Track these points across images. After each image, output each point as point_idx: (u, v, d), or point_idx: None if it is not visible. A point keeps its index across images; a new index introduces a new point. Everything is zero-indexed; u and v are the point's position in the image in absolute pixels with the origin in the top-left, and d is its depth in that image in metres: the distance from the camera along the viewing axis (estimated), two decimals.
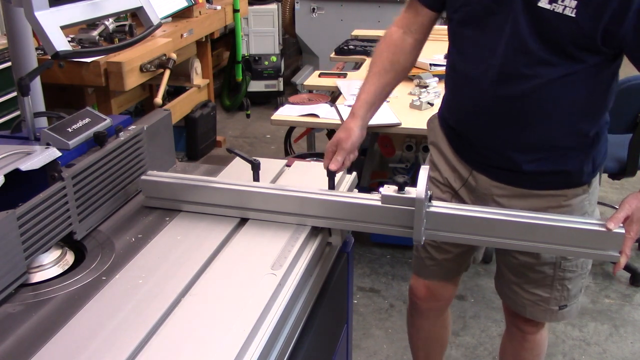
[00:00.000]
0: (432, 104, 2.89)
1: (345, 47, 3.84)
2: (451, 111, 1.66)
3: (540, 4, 1.35)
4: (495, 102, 1.48)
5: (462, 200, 1.69)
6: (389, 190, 1.34)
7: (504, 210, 1.38)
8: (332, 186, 1.45)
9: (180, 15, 4.00)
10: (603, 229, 1.30)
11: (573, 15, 1.32)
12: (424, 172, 1.31)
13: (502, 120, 1.50)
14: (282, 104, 3.27)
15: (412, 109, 2.88)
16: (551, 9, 1.33)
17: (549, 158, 1.53)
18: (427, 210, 1.34)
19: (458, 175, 1.68)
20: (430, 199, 1.35)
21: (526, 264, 1.67)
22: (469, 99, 1.55)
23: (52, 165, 1.29)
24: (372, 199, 1.37)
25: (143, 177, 1.48)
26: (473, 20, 1.47)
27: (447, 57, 1.65)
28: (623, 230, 1.30)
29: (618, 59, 1.44)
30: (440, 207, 1.37)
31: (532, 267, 1.66)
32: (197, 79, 4.19)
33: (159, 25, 1.55)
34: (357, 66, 3.75)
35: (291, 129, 3.32)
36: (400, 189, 1.33)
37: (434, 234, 1.37)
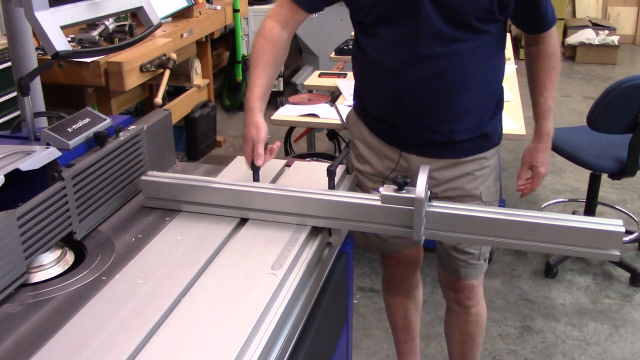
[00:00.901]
0: None
1: (345, 47, 3.85)
2: (373, 103, 1.75)
3: None
4: (419, 84, 1.61)
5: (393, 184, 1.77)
6: (388, 190, 1.34)
7: (503, 210, 1.38)
8: (332, 186, 1.45)
9: (180, 15, 4.00)
10: (602, 228, 1.30)
11: None
12: (423, 172, 1.31)
13: (429, 99, 1.63)
14: (282, 104, 3.27)
15: None
16: None
17: (473, 125, 1.70)
18: (427, 209, 1.34)
19: (389, 160, 1.77)
20: (430, 198, 1.35)
21: None
22: (393, 87, 1.65)
23: (52, 165, 1.29)
24: (372, 198, 1.37)
25: (143, 177, 1.48)
26: (386, 17, 1.57)
27: (357, 55, 1.73)
28: (623, 229, 1.30)
29: (506, 24, 1.69)
30: (440, 206, 1.37)
31: None
32: (197, 79, 4.19)
33: (159, 25, 1.55)
34: None
35: (291, 129, 3.32)
36: (400, 188, 1.33)
37: (434, 234, 1.37)
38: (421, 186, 1.29)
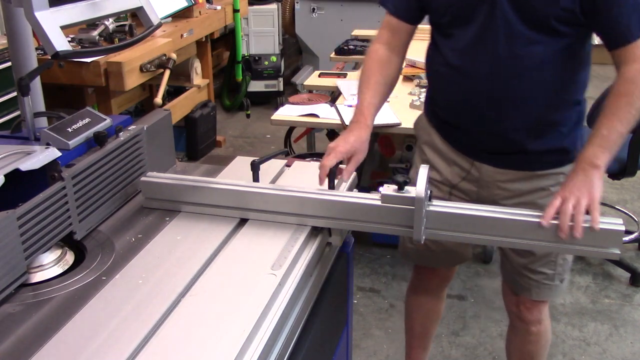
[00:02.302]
0: None
1: (345, 47, 3.84)
2: (445, 107, 1.70)
3: None
4: (492, 89, 1.55)
5: (462, 192, 1.73)
6: (388, 189, 1.34)
7: (503, 209, 1.38)
8: (332, 186, 1.45)
9: (180, 15, 4.00)
10: (602, 227, 1.30)
11: None
12: (423, 171, 1.31)
13: (503, 105, 1.56)
14: (282, 104, 3.27)
15: (412, 109, 2.88)
16: None
17: (549, 136, 1.60)
18: (427, 209, 1.34)
19: (459, 168, 1.72)
20: (430, 198, 1.35)
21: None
22: (466, 90, 1.59)
23: (52, 165, 1.29)
24: (372, 198, 1.37)
25: (143, 178, 1.48)
26: (461, 18, 1.53)
27: (431, 57, 1.68)
28: (623, 228, 1.30)
29: (591, 32, 1.54)
30: (440, 206, 1.37)
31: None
32: (197, 79, 4.19)
33: (159, 25, 1.55)
34: (357, 66, 3.75)
35: (291, 129, 3.32)
36: (400, 188, 1.33)
37: (434, 233, 1.37)
38: (421, 185, 1.29)
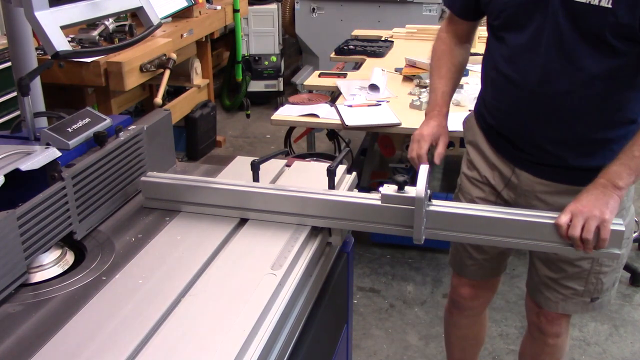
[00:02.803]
0: None
1: (345, 47, 3.84)
2: (491, 111, 1.67)
3: None
4: (539, 100, 1.50)
5: (504, 200, 1.70)
6: (388, 189, 1.34)
7: (503, 209, 1.38)
8: (332, 186, 1.45)
9: (180, 15, 4.00)
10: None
11: (610, 5, 1.33)
12: (423, 171, 1.31)
13: (548, 118, 1.52)
14: (282, 104, 3.27)
15: (412, 109, 2.88)
16: (587, 2, 1.35)
17: (594, 153, 1.54)
18: (427, 209, 1.34)
19: (499, 173, 1.69)
20: (430, 197, 1.35)
21: (566, 258, 1.65)
22: (511, 98, 1.57)
23: (52, 165, 1.29)
24: (372, 198, 1.37)
25: (143, 178, 1.48)
26: (513, 23, 1.50)
27: (485, 58, 1.67)
28: (623, 228, 1.30)
29: None
30: (440, 206, 1.37)
31: (571, 262, 1.65)
32: (197, 79, 4.19)
33: (159, 25, 1.55)
34: (357, 66, 3.75)
35: (291, 129, 3.32)
36: (400, 188, 1.33)
37: (434, 233, 1.37)
38: (421, 185, 1.29)
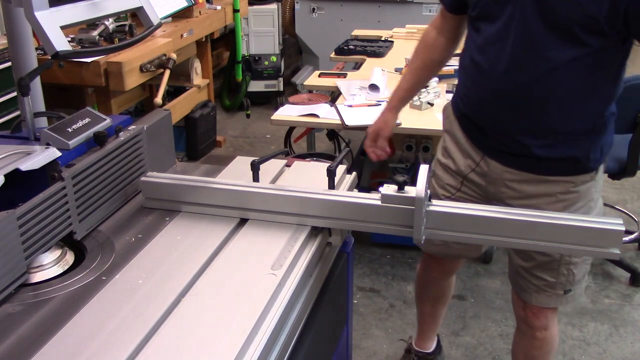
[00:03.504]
0: (432, 104, 2.89)
1: (345, 47, 3.84)
2: (464, 98, 1.74)
3: None
4: (507, 89, 1.56)
5: (472, 184, 1.76)
6: (388, 189, 1.34)
7: (503, 209, 1.38)
8: (332, 186, 1.45)
9: (180, 15, 4.00)
10: (602, 227, 1.30)
11: None
12: (423, 171, 1.31)
13: (514, 107, 1.57)
14: (282, 104, 3.27)
15: (412, 109, 2.88)
16: None
17: (559, 144, 1.58)
18: (427, 209, 1.34)
19: (471, 160, 1.75)
20: (430, 197, 1.35)
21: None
22: (482, 87, 1.63)
23: (52, 165, 1.29)
24: (372, 198, 1.37)
25: (143, 178, 1.48)
26: (487, 14, 1.55)
27: (463, 51, 1.72)
28: (623, 228, 1.30)
29: (626, 44, 1.48)
30: (440, 206, 1.36)
31: (541, 251, 1.67)
32: (197, 79, 4.19)
33: (159, 25, 1.55)
34: (357, 66, 3.75)
35: (291, 129, 3.31)
36: (400, 188, 1.33)
37: (434, 233, 1.37)
38: (421, 185, 1.29)
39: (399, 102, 1.85)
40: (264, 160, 1.49)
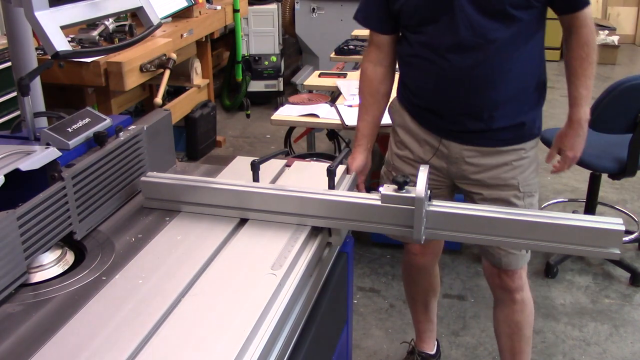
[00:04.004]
0: None
1: (345, 47, 3.84)
2: (416, 92, 1.84)
3: None
4: (459, 73, 1.69)
5: (434, 169, 1.86)
6: (388, 189, 1.34)
7: (504, 209, 1.38)
8: (332, 186, 1.45)
9: (180, 15, 4.00)
10: (602, 227, 1.30)
11: None
12: (424, 171, 1.31)
13: (467, 88, 1.71)
14: (282, 104, 3.27)
15: None
16: None
17: (511, 113, 1.77)
18: (427, 209, 1.34)
19: (428, 147, 1.86)
20: (430, 197, 1.35)
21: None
22: (435, 77, 1.73)
23: (52, 165, 1.29)
24: (372, 198, 1.37)
25: (143, 178, 1.48)
26: (427, 18, 1.68)
27: (401, 48, 1.82)
28: (623, 228, 1.30)
29: (544, 13, 1.72)
30: (440, 206, 1.37)
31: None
32: (197, 79, 4.19)
33: (159, 25, 1.55)
34: (357, 66, 3.75)
35: (291, 129, 3.31)
36: (400, 188, 1.33)
37: (434, 233, 1.37)
38: (421, 185, 1.29)
39: (368, 142, 1.87)
40: (264, 160, 1.49)
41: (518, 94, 1.75)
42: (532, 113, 1.80)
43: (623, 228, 1.31)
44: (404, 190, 1.33)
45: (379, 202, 1.35)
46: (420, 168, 1.32)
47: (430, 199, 1.35)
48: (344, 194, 1.42)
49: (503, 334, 2.08)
